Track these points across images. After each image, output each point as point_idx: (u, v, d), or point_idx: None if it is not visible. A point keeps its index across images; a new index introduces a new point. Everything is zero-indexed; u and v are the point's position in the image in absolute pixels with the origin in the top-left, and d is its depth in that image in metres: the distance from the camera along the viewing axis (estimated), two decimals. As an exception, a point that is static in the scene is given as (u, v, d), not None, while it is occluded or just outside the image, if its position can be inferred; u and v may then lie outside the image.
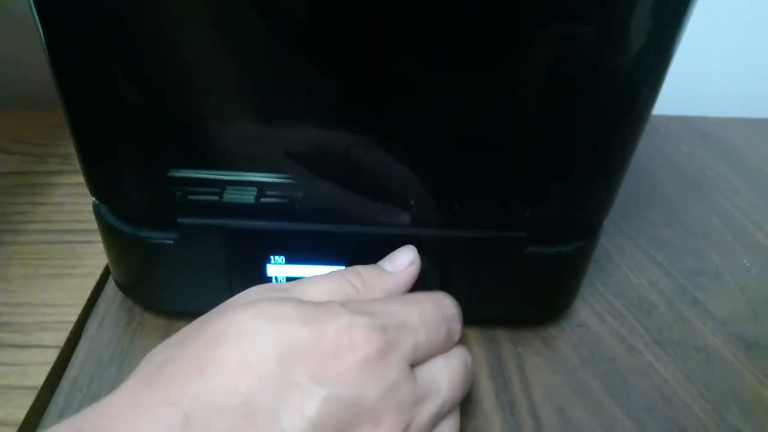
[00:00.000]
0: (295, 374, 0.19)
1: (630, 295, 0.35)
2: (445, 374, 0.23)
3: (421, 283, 0.26)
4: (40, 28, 0.21)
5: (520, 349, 0.31)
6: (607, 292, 0.36)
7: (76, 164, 0.42)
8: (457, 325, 0.25)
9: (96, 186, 0.26)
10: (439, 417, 0.22)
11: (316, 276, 0.24)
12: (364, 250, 0.26)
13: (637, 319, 0.34)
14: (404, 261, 0.25)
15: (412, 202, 0.26)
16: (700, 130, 0.56)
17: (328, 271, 0.25)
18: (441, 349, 0.23)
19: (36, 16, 0.21)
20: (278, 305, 0.20)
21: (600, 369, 0.30)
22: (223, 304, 0.22)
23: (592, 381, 0.30)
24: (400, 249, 0.26)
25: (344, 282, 0.23)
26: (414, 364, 0.22)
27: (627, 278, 0.37)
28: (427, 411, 0.21)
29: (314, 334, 0.19)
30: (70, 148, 0.43)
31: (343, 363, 0.19)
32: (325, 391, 0.18)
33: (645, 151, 0.51)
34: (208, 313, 0.22)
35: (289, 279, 0.28)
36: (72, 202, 0.39)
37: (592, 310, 0.34)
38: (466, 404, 0.28)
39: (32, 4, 0.21)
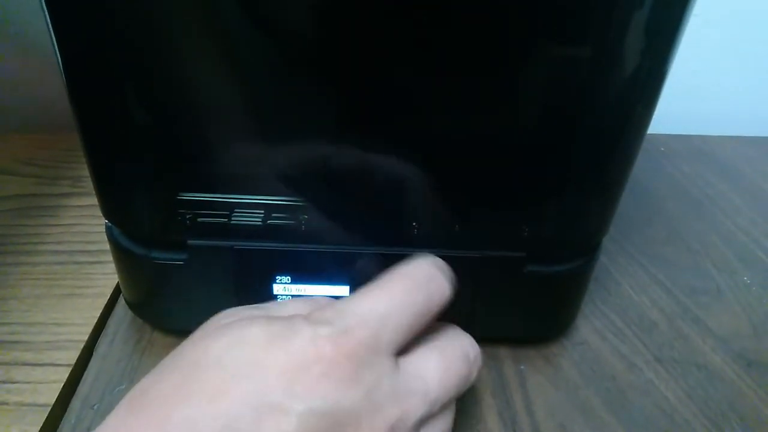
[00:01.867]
0: (270, 394, 0.19)
1: (631, 312, 0.36)
2: (435, 366, 0.22)
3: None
4: (58, 57, 0.22)
5: (522, 367, 0.32)
6: (608, 310, 0.36)
7: (86, 186, 0.43)
8: (442, 289, 0.23)
9: (109, 209, 0.27)
10: (430, 415, 0.21)
11: (298, 298, 0.25)
12: (368, 270, 0.27)
13: (638, 336, 0.34)
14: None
15: (414, 224, 0.26)
16: (700, 149, 0.56)
17: (335, 291, 0.25)
18: (424, 323, 0.22)
19: (55, 44, 0.22)
20: (247, 328, 0.21)
21: (601, 386, 0.31)
22: (203, 326, 0.23)
23: (593, 398, 0.30)
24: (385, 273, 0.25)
25: (318, 301, 0.24)
26: (400, 353, 0.21)
27: (628, 296, 0.37)
28: (413, 408, 0.21)
29: (282, 352, 0.20)
30: (80, 171, 0.45)
31: (312, 375, 0.19)
32: (301, 406, 0.19)
33: (646, 170, 0.52)
34: (188, 338, 0.22)
35: (293, 296, 0.28)
36: (82, 224, 0.39)
37: (593, 327, 0.35)
38: (469, 421, 0.28)
39: (51, 31, 0.22)
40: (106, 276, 0.35)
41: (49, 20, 0.21)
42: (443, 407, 0.22)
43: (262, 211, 0.26)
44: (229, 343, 0.20)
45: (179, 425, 0.18)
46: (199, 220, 0.26)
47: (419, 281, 0.22)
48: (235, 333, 0.21)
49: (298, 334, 0.20)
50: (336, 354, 0.20)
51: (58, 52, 0.22)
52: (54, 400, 0.27)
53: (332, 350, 0.20)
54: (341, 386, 0.19)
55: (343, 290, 0.28)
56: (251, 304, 0.25)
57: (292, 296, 0.28)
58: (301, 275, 0.28)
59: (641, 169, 0.52)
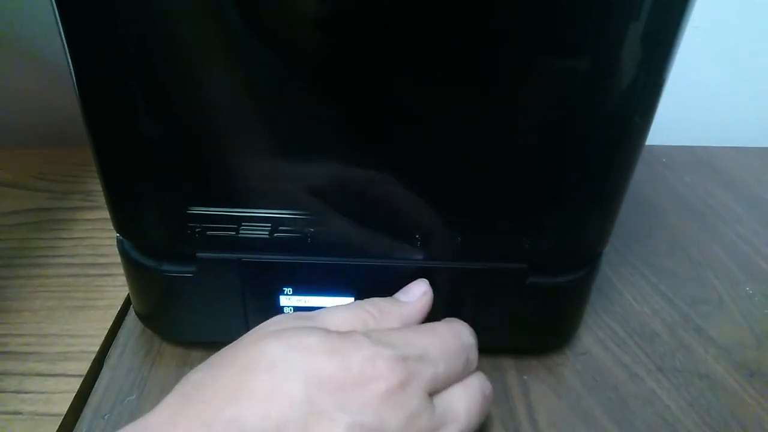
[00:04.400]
0: (321, 403, 0.20)
1: (633, 323, 0.36)
2: (463, 403, 0.24)
3: (429, 313, 0.27)
4: (72, 72, 0.23)
5: (525, 376, 0.32)
6: (611, 320, 0.36)
7: (97, 200, 0.44)
8: (474, 355, 0.26)
9: (120, 222, 0.28)
10: None
11: (338, 306, 0.26)
12: (372, 282, 0.27)
13: (640, 346, 0.34)
14: (418, 292, 0.27)
15: (417, 236, 0.27)
16: (702, 160, 0.57)
17: (339, 302, 0.26)
18: (459, 377, 0.24)
19: (69, 59, 0.23)
20: (306, 336, 0.22)
21: (603, 396, 0.31)
22: (255, 330, 0.24)
23: (595, 408, 0.30)
24: (413, 282, 0.28)
25: (363, 311, 0.25)
26: (433, 393, 0.23)
27: (630, 306, 0.38)
28: None
29: (340, 365, 0.21)
30: (91, 185, 0.46)
31: (366, 392, 0.20)
32: (350, 419, 0.20)
33: (648, 181, 0.52)
34: (242, 338, 0.23)
35: (296, 309, 0.29)
36: (94, 237, 0.40)
37: (595, 337, 0.35)
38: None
39: (66, 46, 0.22)
40: (117, 288, 0.36)
41: (63, 35, 0.22)
42: None
43: (269, 225, 0.27)
44: (287, 347, 0.21)
45: (229, 423, 0.19)
46: (208, 233, 0.27)
47: (465, 345, 0.25)
48: (294, 338, 0.21)
49: (361, 350, 0.21)
50: (393, 378, 0.21)
51: (71, 68, 0.23)
52: (66, 409, 0.28)
53: (390, 373, 0.21)
54: (391, 408, 0.21)
55: (348, 302, 0.29)
56: (259, 314, 0.26)
57: (295, 308, 0.29)
58: (306, 287, 0.29)
59: (643, 179, 0.52)
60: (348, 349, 0.21)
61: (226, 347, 0.23)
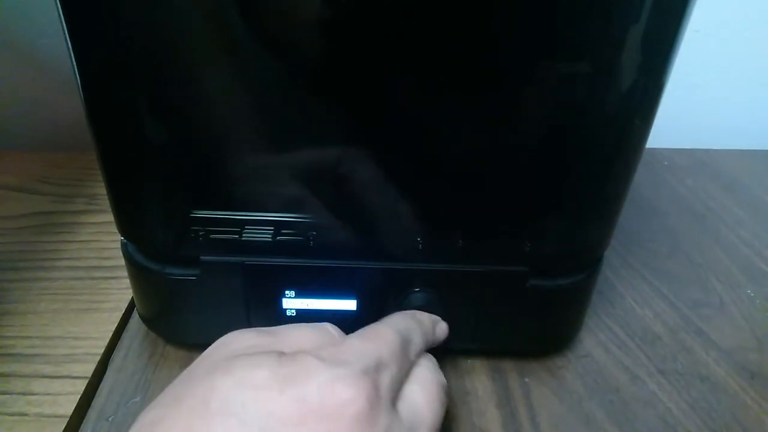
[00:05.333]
0: None
1: (634, 325, 0.36)
2: (422, 399, 0.23)
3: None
4: (77, 76, 0.23)
5: (526, 379, 0.32)
6: (612, 322, 0.36)
7: (101, 204, 0.44)
8: (417, 337, 0.25)
9: (125, 226, 0.28)
10: None
11: (300, 324, 0.24)
12: (374, 285, 0.28)
13: (642, 349, 0.35)
14: None
15: (418, 239, 0.27)
16: (703, 163, 0.57)
17: (339, 306, 0.26)
18: (408, 370, 0.24)
19: (74, 63, 0.23)
20: (255, 370, 0.20)
21: (605, 398, 0.31)
22: (208, 352, 0.23)
23: (597, 410, 0.30)
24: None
25: (324, 329, 0.24)
26: (394, 399, 0.22)
27: (631, 309, 0.38)
28: None
29: (297, 398, 0.19)
30: (95, 189, 0.46)
31: (334, 422, 0.19)
32: None
33: (649, 184, 0.52)
34: (194, 365, 0.22)
35: (299, 311, 0.29)
36: (98, 240, 0.41)
37: (597, 340, 0.35)
38: (473, 433, 0.29)
39: (71, 51, 0.23)
40: (121, 291, 0.36)
41: (68, 40, 0.22)
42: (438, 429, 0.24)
43: (272, 228, 0.27)
44: (237, 384, 0.19)
45: None
46: (212, 236, 0.27)
47: (405, 339, 0.24)
48: (243, 373, 0.20)
49: (315, 376, 0.20)
50: (360, 399, 0.19)
51: (76, 72, 0.23)
52: (71, 411, 0.28)
53: (357, 394, 0.19)
54: (363, 431, 0.19)
55: (350, 304, 0.29)
56: (261, 317, 0.26)
57: (298, 311, 0.29)
58: (309, 289, 0.29)
59: (644, 182, 0.52)
60: (300, 379, 0.19)
61: (185, 373, 0.22)
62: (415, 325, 0.26)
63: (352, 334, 0.24)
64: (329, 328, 0.24)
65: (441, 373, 0.26)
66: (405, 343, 0.24)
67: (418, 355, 0.25)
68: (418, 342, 0.25)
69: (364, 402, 0.19)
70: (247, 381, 0.19)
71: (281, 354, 0.21)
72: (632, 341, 0.35)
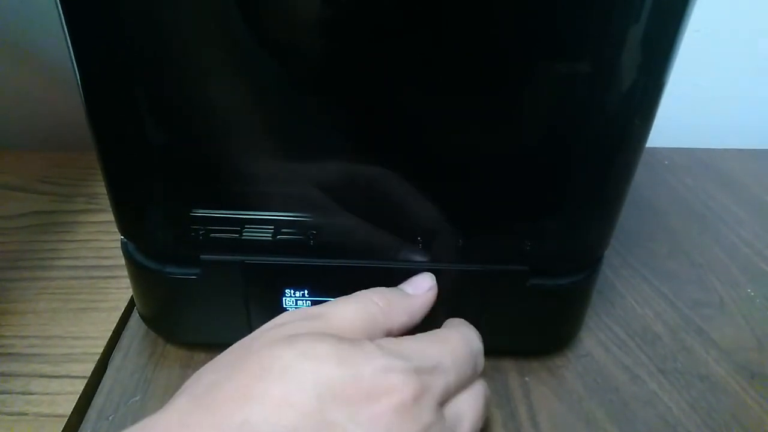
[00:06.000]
0: (333, 413, 0.19)
1: (634, 325, 0.36)
2: (469, 409, 0.24)
3: (430, 314, 0.27)
4: (77, 76, 0.23)
5: (526, 378, 0.32)
6: (612, 322, 0.36)
7: (101, 203, 0.44)
8: (481, 359, 0.26)
9: (124, 225, 0.28)
10: None
11: (345, 298, 0.25)
12: (375, 284, 0.27)
13: (642, 348, 0.35)
14: (424, 285, 0.27)
15: (419, 238, 0.27)
16: (703, 162, 0.57)
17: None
18: (467, 385, 0.24)
19: (74, 63, 0.23)
20: (318, 344, 0.21)
21: (605, 398, 0.31)
22: (264, 329, 0.24)
23: (597, 410, 0.30)
24: (419, 275, 0.28)
25: (370, 304, 0.25)
26: (443, 403, 0.23)
27: (632, 309, 0.38)
28: None
29: (351, 376, 0.20)
30: (95, 188, 0.46)
31: (378, 405, 0.20)
32: (361, 431, 0.19)
33: (649, 183, 0.52)
34: (252, 339, 0.23)
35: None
36: (97, 240, 0.41)
37: (597, 340, 0.35)
38: (474, 432, 0.29)
39: (71, 50, 0.23)
40: (121, 290, 0.36)
41: (68, 40, 0.22)
42: None
43: (272, 227, 0.27)
44: (299, 355, 0.21)
45: (239, 428, 0.19)
46: (212, 235, 0.27)
47: (474, 352, 0.25)
48: (306, 345, 0.21)
49: (372, 361, 0.21)
50: (406, 392, 0.21)
51: (76, 71, 0.23)
52: (71, 411, 0.28)
53: (403, 387, 0.21)
54: (403, 422, 0.20)
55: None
56: (262, 317, 0.26)
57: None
58: (309, 289, 0.29)
59: (644, 182, 0.52)
60: (359, 360, 0.21)
61: (237, 347, 0.23)
62: (482, 345, 0.26)
63: (425, 334, 0.25)
64: (376, 299, 0.25)
65: (488, 389, 0.26)
66: (474, 355, 0.25)
67: (478, 375, 0.26)
68: (480, 362, 0.26)
69: (409, 395, 0.21)
70: (309, 352, 0.21)
71: (342, 338, 0.22)
72: (632, 341, 0.35)
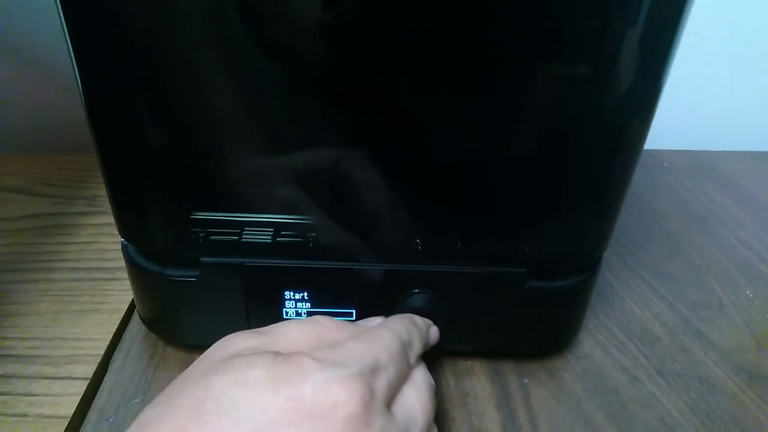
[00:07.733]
0: None
1: (633, 327, 0.36)
2: (416, 399, 0.23)
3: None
4: (78, 79, 0.24)
5: (525, 380, 0.32)
6: (611, 324, 0.37)
7: (102, 206, 0.45)
8: (417, 344, 0.25)
9: (125, 227, 0.28)
10: None
11: (293, 320, 0.25)
12: (374, 286, 0.28)
13: (641, 350, 0.35)
14: (375, 321, 0.27)
15: (417, 241, 0.27)
16: (703, 164, 0.57)
17: (340, 307, 0.26)
18: (407, 375, 0.24)
19: (75, 66, 0.23)
20: (250, 370, 0.20)
21: (604, 400, 0.31)
22: (206, 355, 0.23)
23: (595, 411, 0.31)
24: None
25: (315, 322, 0.24)
26: (389, 402, 0.22)
27: (630, 311, 0.38)
28: None
29: (291, 399, 0.19)
30: (96, 191, 0.46)
31: (326, 423, 0.19)
32: None
33: (649, 185, 0.52)
34: (192, 367, 0.22)
35: (298, 314, 0.29)
36: (98, 242, 0.41)
37: (596, 341, 0.35)
38: (473, 434, 0.29)
39: (72, 53, 0.23)
40: (122, 292, 0.36)
41: (69, 43, 0.23)
42: (430, 428, 0.24)
43: (272, 230, 0.27)
44: (231, 383, 0.20)
45: None
46: (212, 238, 0.27)
47: (404, 343, 0.24)
48: (237, 372, 0.20)
49: (310, 377, 0.20)
50: (354, 400, 0.19)
51: (77, 75, 0.23)
52: (72, 412, 0.28)
53: (348, 396, 0.19)
54: (356, 431, 0.19)
55: (348, 309, 0.29)
56: (261, 318, 0.26)
57: (297, 313, 0.29)
58: (309, 291, 0.29)
59: (644, 184, 0.52)
60: (296, 379, 0.19)
61: (181, 376, 0.22)
62: (413, 329, 0.26)
63: (350, 336, 0.24)
64: (323, 321, 0.24)
65: (430, 374, 0.26)
66: (405, 347, 0.24)
67: (417, 360, 0.25)
68: (417, 346, 0.25)
69: (358, 403, 0.19)
70: (241, 381, 0.20)
71: (276, 354, 0.21)
72: (631, 342, 0.35)
